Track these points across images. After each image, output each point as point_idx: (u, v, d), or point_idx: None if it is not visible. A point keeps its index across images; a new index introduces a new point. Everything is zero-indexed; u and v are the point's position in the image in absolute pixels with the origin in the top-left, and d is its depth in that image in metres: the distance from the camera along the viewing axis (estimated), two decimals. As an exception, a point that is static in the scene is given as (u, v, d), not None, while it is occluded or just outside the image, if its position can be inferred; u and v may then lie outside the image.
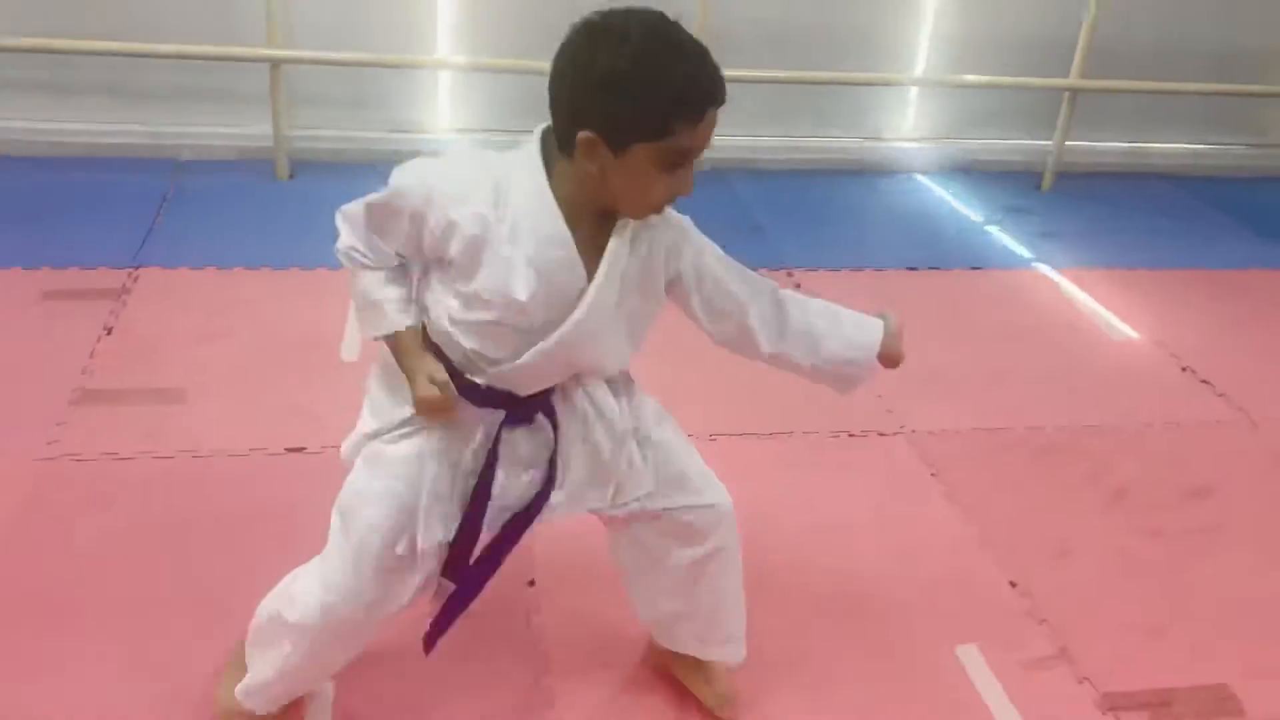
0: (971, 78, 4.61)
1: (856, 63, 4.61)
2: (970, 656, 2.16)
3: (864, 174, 4.78)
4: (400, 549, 1.60)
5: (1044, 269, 4.00)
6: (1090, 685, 2.12)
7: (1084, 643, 2.21)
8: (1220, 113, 5.09)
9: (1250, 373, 3.31)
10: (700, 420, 2.85)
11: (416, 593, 1.67)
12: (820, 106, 4.77)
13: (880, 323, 1.73)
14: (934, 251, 4.05)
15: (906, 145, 4.89)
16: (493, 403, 1.59)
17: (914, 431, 2.92)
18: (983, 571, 2.42)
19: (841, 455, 2.80)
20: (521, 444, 1.65)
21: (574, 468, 1.69)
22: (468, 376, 1.57)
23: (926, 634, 2.21)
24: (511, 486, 1.66)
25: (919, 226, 4.32)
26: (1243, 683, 2.13)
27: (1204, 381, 3.27)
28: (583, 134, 1.39)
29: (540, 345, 1.52)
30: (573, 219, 1.47)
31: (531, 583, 2.25)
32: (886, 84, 4.74)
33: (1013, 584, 2.37)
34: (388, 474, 1.60)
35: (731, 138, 4.71)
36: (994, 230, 4.31)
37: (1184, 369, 3.34)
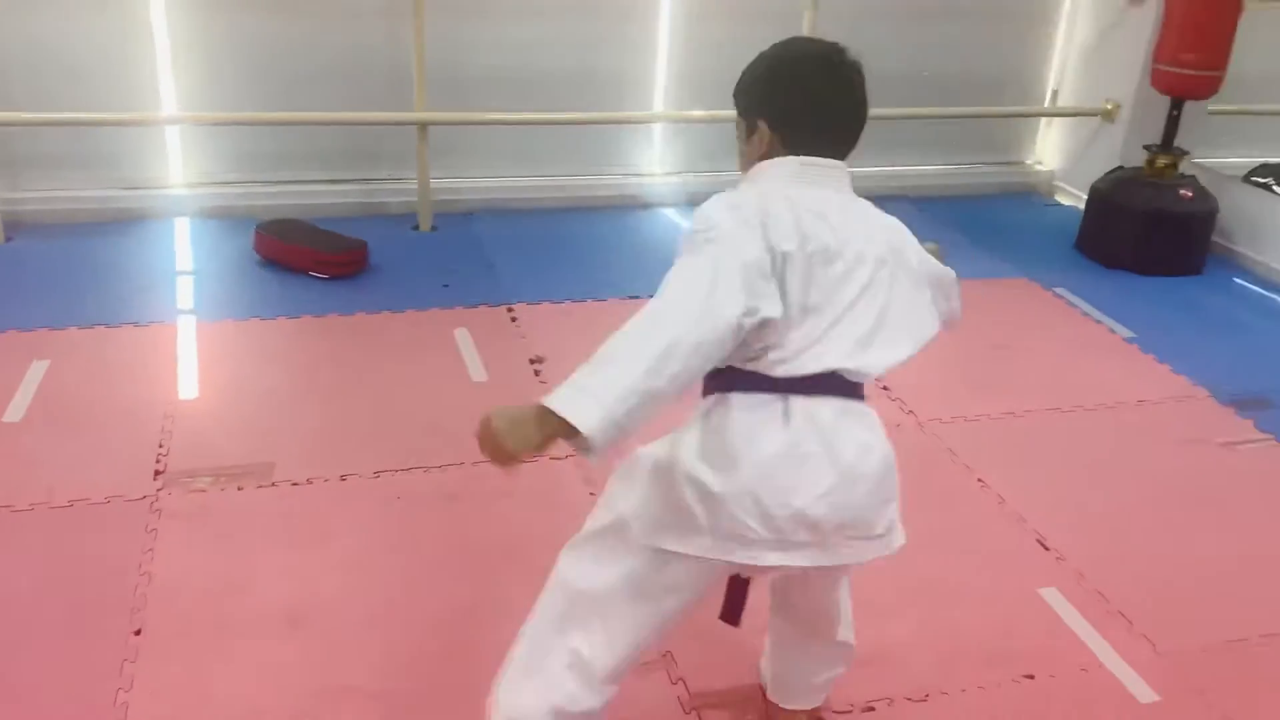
0: (699, 113, 4.79)
1: (600, 102, 4.75)
2: (572, 668, 2.21)
3: (615, 210, 4.90)
4: None
5: (765, 291, 4.14)
6: (684, 686, 2.19)
7: (688, 647, 2.27)
8: (964, 135, 5.36)
9: (924, 378, 3.46)
10: (371, 456, 2.88)
11: None
12: (568, 146, 4.87)
13: None
14: (657, 280, 4.15)
15: (654, 180, 5.02)
16: None
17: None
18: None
19: (506, 482, 2.84)
20: None
21: None
22: None
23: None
24: None
25: (655, 257, 4.39)
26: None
27: (884, 388, 3.42)
28: None
29: None
30: None
31: (138, 632, 2.24)
32: (626, 122, 4.88)
33: (636, 595, 2.43)
34: None
35: (480, 179, 4.79)
36: (726, 257, 4.44)
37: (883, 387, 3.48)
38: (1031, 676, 2.27)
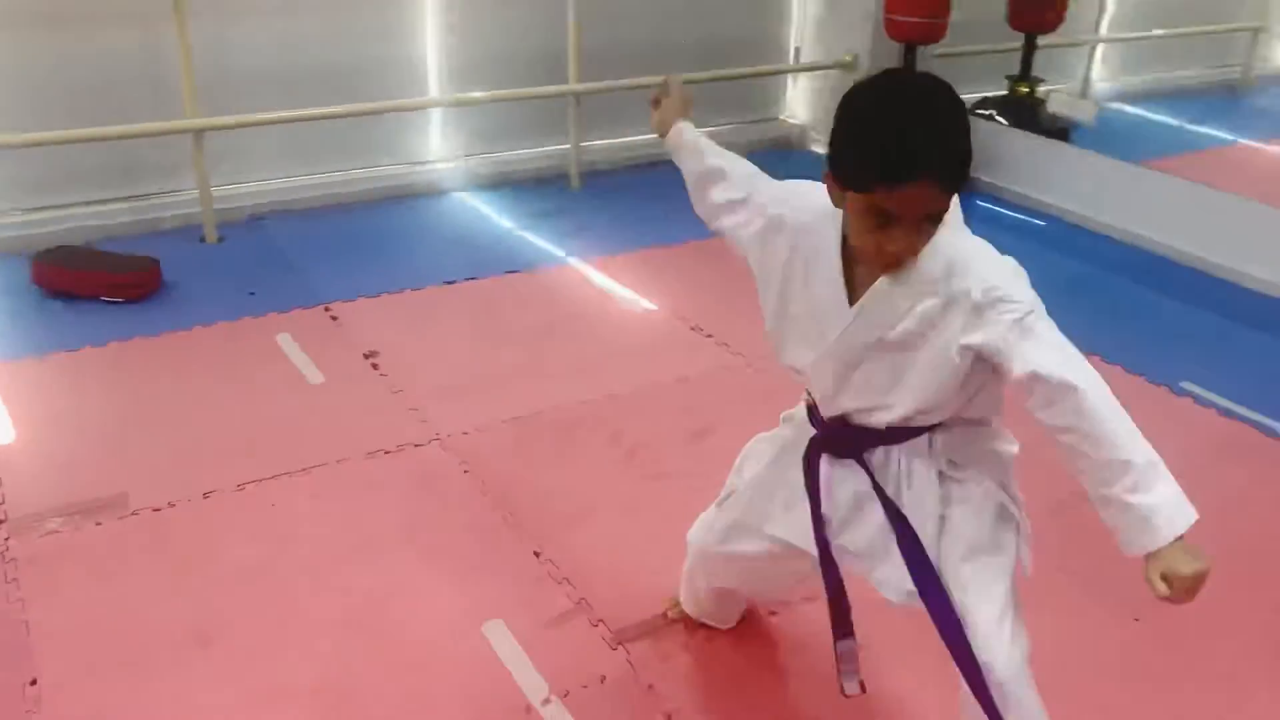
0: (480, 94, 4.85)
1: (375, 94, 4.71)
2: (495, 630, 2.29)
3: (405, 199, 4.88)
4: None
5: (575, 263, 4.27)
6: (604, 626, 2.31)
7: (599, 591, 2.41)
8: (722, 97, 5.67)
9: (749, 324, 3.72)
10: (229, 470, 2.81)
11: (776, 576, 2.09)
12: (349, 141, 4.80)
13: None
14: (472, 262, 4.20)
15: (442, 167, 5.04)
16: (814, 420, 1.77)
17: (448, 436, 3.02)
18: (508, 549, 2.56)
19: (375, 474, 2.85)
20: (844, 482, 1.75)
21: (851, 526, 1.77)
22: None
23: (454, 621, 2.31)
24: (846, 526, 1.77)
25: (458, 242, 4.47)
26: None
27: (709, 336, 3.65)
28: (827, 170, 1.50)
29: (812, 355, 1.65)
30: (854, 258, 1.56)
31: (34, 681, 2.12)
32: (403, 109, 4.86)
33: (536, 554, 2.54)
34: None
35: (261, 182, 4.65)
36: (527, 234, 4.55)
37: (693, 329, 3.71)
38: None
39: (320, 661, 2.21)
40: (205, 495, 2.73)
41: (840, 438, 1.72)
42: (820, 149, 5.86)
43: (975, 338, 1.48)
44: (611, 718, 2.09)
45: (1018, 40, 5.40)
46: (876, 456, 1.70)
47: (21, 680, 2.11)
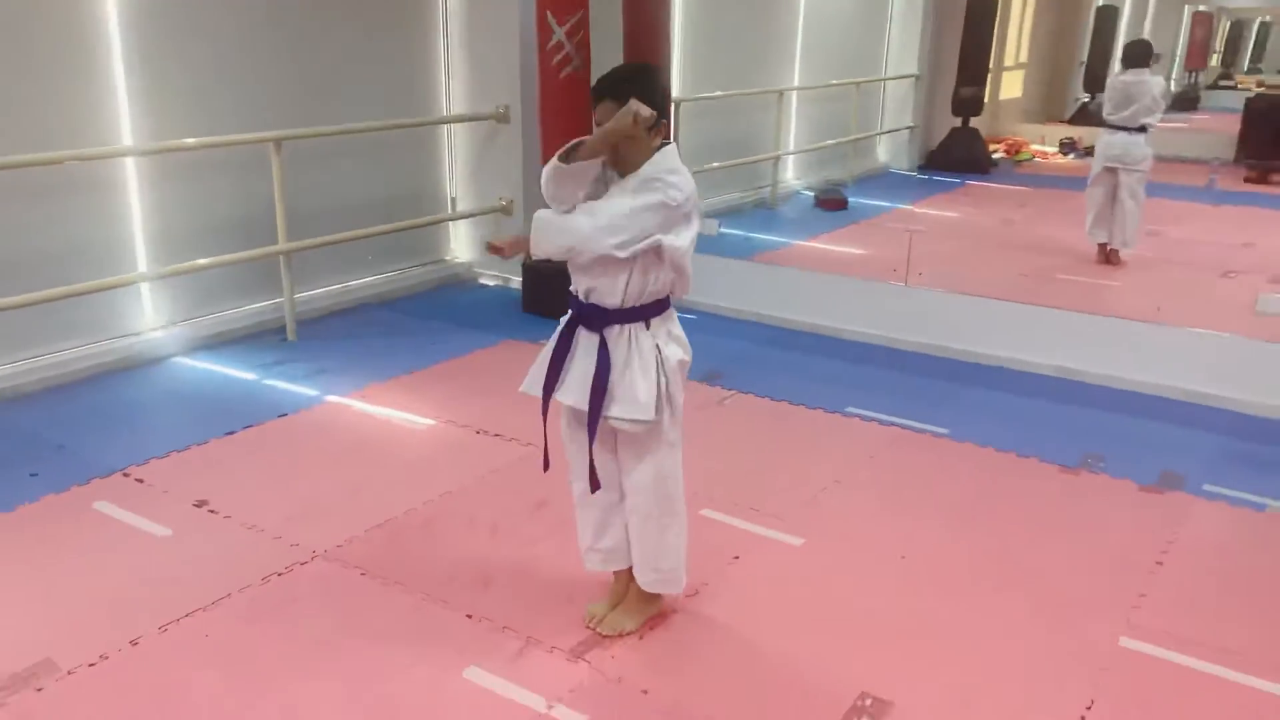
0: (203, 260, 5.10)
1: (87, 273, 4.78)
2: (476, 674, 2.75)
3: (129, 370, 4.92)
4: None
5: (334, 398, 4.66)
6: (558, 651, 2.86)
7: (537, 629, 2.94)
8: (398, 245, 6.29)
9: (528, 419, 4.38)
10: (139, 620, 2.94)
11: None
12: (56, 321, 4.79)
13: None
14: (237, 414, 4.43)
15: (156, 335, 5.15)
16: (573, 305, 2.68)
17: (325, 551, 3.35)
18: (443, 619, 3.00)
19: (282, 594, 3.13)
20: (589, 346, 2.64)
21: (578, 375, 2.66)
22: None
23: (438, 678, 2.73)
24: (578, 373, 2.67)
25: (211, 398, 4.64)
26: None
27: (496, 435, 4.25)
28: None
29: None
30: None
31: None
32: (115, 286, 4.96)
33: (469, 616, 3.01)
34: None
35: (-25, 374, 4.51)
36: (274, 382, 4.84)
37: (478, 432, 4.29)
38: (738, 557, 3.36)
39: None
40: (133, 643, 2.86)
41: (587, 314, 2.65)
42: (486, 282, 6.66)
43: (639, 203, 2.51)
44: (608, 708, 2.65)
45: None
46: (613, 331, 2.63)
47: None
